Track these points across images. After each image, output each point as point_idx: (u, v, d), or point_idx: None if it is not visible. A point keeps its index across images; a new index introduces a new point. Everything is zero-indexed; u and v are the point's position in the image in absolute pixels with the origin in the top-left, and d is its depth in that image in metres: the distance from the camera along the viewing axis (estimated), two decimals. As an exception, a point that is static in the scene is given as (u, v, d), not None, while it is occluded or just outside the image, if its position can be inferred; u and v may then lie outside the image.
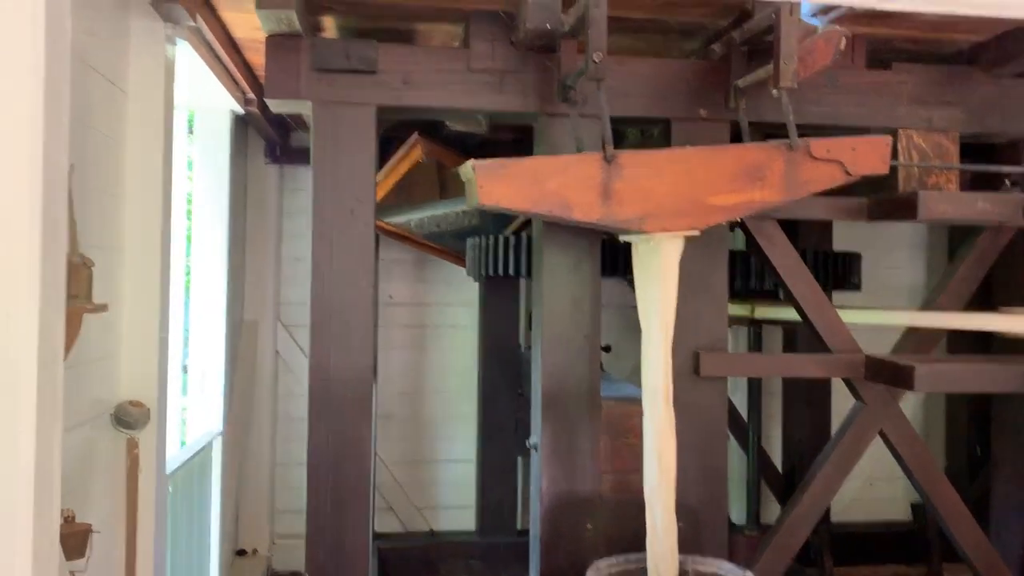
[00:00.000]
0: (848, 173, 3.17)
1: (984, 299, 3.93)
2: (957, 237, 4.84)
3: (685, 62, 3.55)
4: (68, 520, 2.45)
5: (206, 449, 4.39)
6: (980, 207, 3.36)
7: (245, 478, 5.30)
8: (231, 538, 4.99)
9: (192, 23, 3.12)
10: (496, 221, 5.13)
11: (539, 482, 3.43)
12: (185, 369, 4.64)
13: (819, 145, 3.15)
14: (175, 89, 3.40)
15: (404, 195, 5.35)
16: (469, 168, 3.01)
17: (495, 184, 3.01)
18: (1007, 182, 3.56)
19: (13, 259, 1.88)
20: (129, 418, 3.01)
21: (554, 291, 3.41)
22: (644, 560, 3.21)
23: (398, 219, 5.29)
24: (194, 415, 4.61)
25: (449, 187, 5.36)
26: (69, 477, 2.60)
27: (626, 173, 3.06)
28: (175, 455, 3.88)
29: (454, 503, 5.78)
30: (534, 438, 3.52)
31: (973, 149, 3.94)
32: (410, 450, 5.80)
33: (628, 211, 3.06)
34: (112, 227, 3.00)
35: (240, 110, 4.41)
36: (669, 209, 3.08)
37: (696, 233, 3.12)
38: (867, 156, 3.18)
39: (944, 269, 4.22)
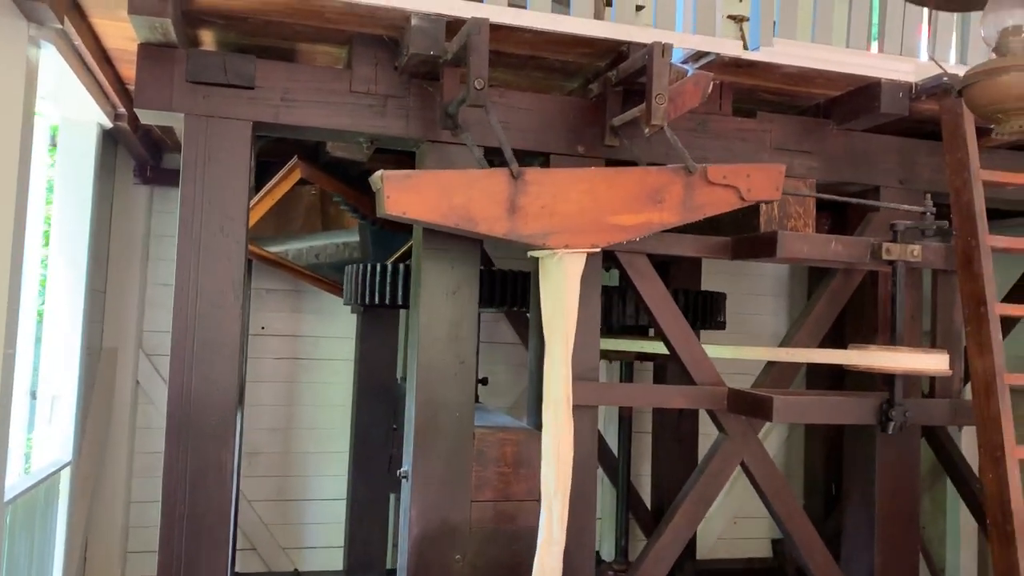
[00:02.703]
0: (743, 199, 3.36)
1: (838, 337, 4.16)
2: (816, 287, 5.13)
3: (564, 99, 3.65)
4: None
5: (52, 479, 4.09)
6: (833, 248, 3.58)
7: (96, 514, 4.97)
8: (76, 578, 4.65)
9: (59, 25, 2.99)
10: (377, 254, 5.08)
11: (408, 512, 3.37)
12: (34, 395, 4.34)
13: (716, 171, 3.33)
14: (39, 96, 3.23)
15: (285, 224, 5.23)
16: (377, 178, 3.01)
17: (402, 195, 3.01)
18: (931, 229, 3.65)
19: None
20: (-37, 438, 2.79)
21: (431, 316, 3.39)
22: (512, 590, 3.20)
23: (276, 248, 5.16)
24: (41, 443, 4.29)
25: (332, 220, 5.28)
26: None
27: (531, 190, 3.14)
28: (16, 482, 3.60)
29: (322, 542, 5.59)
30: (406, 467, 3.46)
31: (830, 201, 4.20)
32: (277, 488, 5.58)
33: (533, 227, 3.14)
34: (-44, 231, 2.81)
35: (108, 123, 4.23)
36: (573, 226, 3.18)
37: (598, 251, 3.25)
38: (761, 183, 3.37)
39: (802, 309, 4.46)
